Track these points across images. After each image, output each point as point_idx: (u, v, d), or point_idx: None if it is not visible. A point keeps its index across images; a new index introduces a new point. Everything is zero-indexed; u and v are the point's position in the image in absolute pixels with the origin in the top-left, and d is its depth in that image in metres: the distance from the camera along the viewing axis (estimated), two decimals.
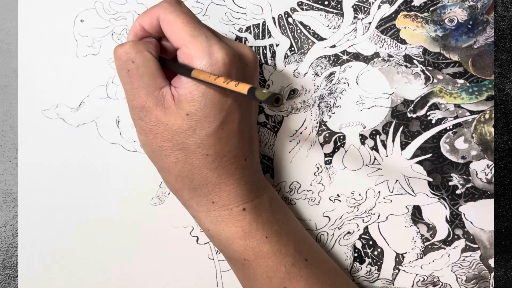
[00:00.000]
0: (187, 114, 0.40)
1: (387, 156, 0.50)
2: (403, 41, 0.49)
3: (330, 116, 0.50)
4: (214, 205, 0.42)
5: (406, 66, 0.49)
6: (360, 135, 0.50)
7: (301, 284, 0.43)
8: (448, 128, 0.49)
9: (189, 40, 0.40)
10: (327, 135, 0.50)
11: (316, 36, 0.50)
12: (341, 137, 0.50)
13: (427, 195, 0.50)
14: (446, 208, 0.50)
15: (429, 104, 0.49)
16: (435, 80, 0.49)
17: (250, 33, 0.50)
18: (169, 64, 0.42)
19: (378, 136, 0.50)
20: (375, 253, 0.51)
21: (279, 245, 0.43)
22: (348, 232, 0.51)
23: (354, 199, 0.50)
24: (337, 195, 0.50)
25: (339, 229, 0.51)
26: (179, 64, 0.41)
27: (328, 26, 0.50)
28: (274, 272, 0.43)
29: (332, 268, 0.46)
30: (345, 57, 0.50)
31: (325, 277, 0.44)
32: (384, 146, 0.50)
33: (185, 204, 0.44)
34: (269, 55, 0.50)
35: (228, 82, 0.36)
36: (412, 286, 0.51)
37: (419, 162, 0.50)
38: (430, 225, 0.50)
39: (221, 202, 0.42)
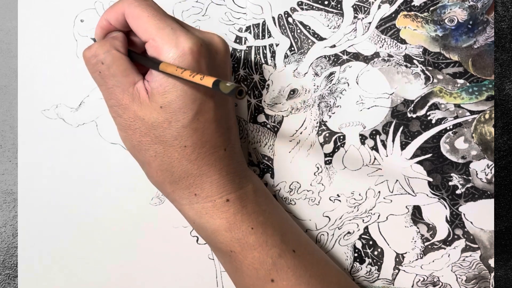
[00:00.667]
0: (161, 107, 0.40)
1: (387, 156, 0.50)
2: (403, 41, 0.49)
3: (330, 116, 0.50)
4: (197, 197, 0.42)
5: (406, 66, 0.49)
6: (360, 135, 0.50)
7: (289, 275, 0.43)
8: (448, 128, 0.49)
9: (156, 32, 0.39)
10: (327, 135, 0.50)
11: (316, 36, 0.50)
12: (341, 137, 0.50)
13: (427, 195, 0.50)
14: (446, 208, 0.50)
15: (429, 104, 0.49)
16: (435, 80, 0.49)
17: (250, 33, 0.50)
18: (138, 58, 0.42)
19: (378, 136, 0.50)
20: (375, 253, 0.51)
21: (265, 236, 0.43)
22: (348, 232, 0.51)
23: (354, 199, 0.50)
24: (337, 195, 0.50)
25: (339, 229, 0.51)
26: (148, 57, 0.41)
27: (328, 26, 0.50)
28: (260, 263, 0.42)
29: (321, 259, 0.46)
30: (345, 57, 0.50)
31: (313, 268, 0.44)
32: (384, 146, 0.50)
33: (168, 198, 0.44)
34: (269, 55, 0.50)
35: (194, 75, 0.36)
36: (412, 286, 0.51)
37: (419, 162, 0.50)
38: (430, 225, 0.50)
39: (204, 194, 0.42)
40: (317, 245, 0.51)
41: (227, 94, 0.34)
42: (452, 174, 0.50)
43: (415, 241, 0.50)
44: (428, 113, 0.49)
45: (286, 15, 0.50)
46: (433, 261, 0.50)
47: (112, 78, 0.41)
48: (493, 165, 0.49)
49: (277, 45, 0.50)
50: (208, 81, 0.35)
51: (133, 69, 0.41)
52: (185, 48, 0.39)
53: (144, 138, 0.41)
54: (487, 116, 0.49)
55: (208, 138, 0.41)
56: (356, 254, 0.51)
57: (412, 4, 0.49)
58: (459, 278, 0.50)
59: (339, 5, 0.49)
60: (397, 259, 0.51)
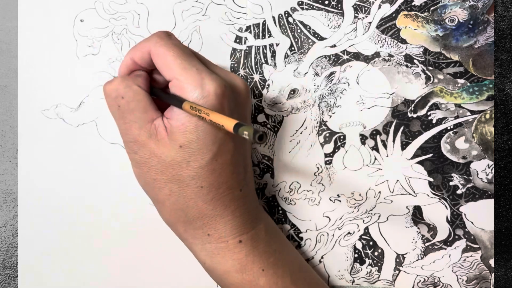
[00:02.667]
0: (180, 146, 0.39)
1: (387, 156, 0.50)
2: (403, 41, 0.49)
3: (330, 116, 0.50)
4: (210, 238, 0.42)
5: (406, 65, 0.49)
6: (361, 135, 0.50)
7: None
8: (448, 128, 0.49)
9: (180, 72, 0.39)
10: (327, 135, 0.50)
11: (316, 35, 0.50)
12: (342, 137, 0.50)
13: (428, 195, 0.50)
14: (446, 208, 0.50)
15: (429, 104, 0.49)
16: (435, 80, 0.49)
17: (250, 32, 0.50)
18: (161, 95, 0.42)
19: (378, 136, 0.50)
20: (376, 253, 0.51)
21: (275, 278, 0.43)
22: (348, 233, 0.51)
23: (355, 199, 0.50)
24: (337, 195, 0.50)
25: (339, 229, 0.51)
26: (171, 95, 0.40)
27: (328, 25, 0.50)
28: None
29: None
30: (345, 56, 0.50)
31: None
32: (385, 146, 0.50)
33: (180, 237, 0.44)
34: (269, 54, 0.50)
35: (217, 117, 0.37)
36: (413, 287, 0.50)
37: (419, 162, 0.50)
38: (431, 226, 0.50)
39: (217, 234, 0.42)
40: (317, 245, 0.51)
41: (248, 139, 0.34)
42: (452, 174, 0.49)
43: (416, 242, 0.50)
44: (428, 113, 0.49)
45: (286, 15, 0.50)
46: (433, 262, 0.50)
47: (130, 113, 0.40)
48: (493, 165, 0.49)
49: (277, 44, 0.50)
50: (230, 124, 0.35)
51: (152, 106, 0.41)
52: (210, 90, 0.39)
53: (159, 176, 0.41)
54: (487, 116, 0.49)
55: (225, 179, 0.41)
56: (356, 255, 0.51)
57: (413, 4, 0.49)
58: (460, 278, 0.50)
59: (339, 5, 0.49)
60: (398, 260, 0.50)
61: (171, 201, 0.41)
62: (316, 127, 0.50)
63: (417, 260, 0.50)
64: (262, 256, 0.43)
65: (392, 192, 0.50)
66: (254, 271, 0.42)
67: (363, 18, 0.49)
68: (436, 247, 0.50)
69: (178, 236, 0.44)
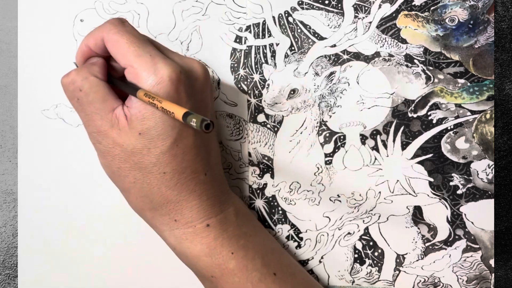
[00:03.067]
0: (140, 133, 0.39)
1: (387, 156, 0.50)
2: (403, 41, 0.49)
3: (330, 116, 0.50)
4: (177, 223, 0.42)
5: (407, 65, 0.49)
6: (361, 135, 0.50)
7: None
8: (449, 128, 0.49)
9: (134, 59, 0.39)
10: (327, 135, 0.50)
11: (316, 35, 0.50)
12: (342, 137, 0.50)
13: (428, 195, 0.50)
14: (447, 208, 0.50)
15: (430, 104, 0.49)
16: (436, 80, 0.49)
17: (250, 32, 0.50)
18: (118, 84, 0.42)
19: (378, 136, 0.50)
20: (376, 254, 0.50)
21: (246, 261, 0.43)
22: (349, 233, 0.51)
23: (355, 199, 0.50)
24: (337, 195, 0.50)
25: (339, 229, 0.51)
26: (127, 83, 0.40)
27: (328, 25, 0.49)
28: None
29: (303, 280, 0.46)
30: (345, 56, 0.50)
31: None
32: (385, 146, 0.50)
33: (149, 223, 0.44)
34: (269, 54, 0.50)
35: (169, 105, 0.37)
36: (413, 287, 0.50)
37: (420, 162, 0.50)
38: (431, 226, 0.50)
39: (184, 219, 0.42)
40: (317, 245, 0.50)
41: (195, 128, 0.35)
42: (453, 174, 0.49)
43: (416, 242, 0.50)
44: (429, 113, 0.49)
45: (286, 15, 0.50)
46: (434, 262, 0.50)
47: (90, 104, 0.40)
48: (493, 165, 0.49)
49: (277, 44, 0.50)
50: (179, 113, 0.36)
51: (111, 95, 0.41)
52: (163, 75, 0.39)
53: (123, 164, 0.41)
54: (488, 116, 0.49)
55: (188, 164, 0.41)
56: (356, 255, 0.51)
57: (413, 3, 0.49)
58: (460, 278, 0.50)
59: (339, 5, 0.49)
60: (398, 260, 0.50)
61: (136, 189, 0.41)
62: (316, 127, 0.50)
63: (417, 260, 0.50)
64: (232, 239, 0.43)
65: (392, 192, 0.50)
66: (223, 255, 0.42)
67: (363, 18, 0.49)
68: (436, 247, 0.50)
69: (147, 223, 0.44)
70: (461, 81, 0.49)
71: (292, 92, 0.50)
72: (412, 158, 0.50)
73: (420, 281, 0.50)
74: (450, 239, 0.50)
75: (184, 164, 0.41)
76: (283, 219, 0.51)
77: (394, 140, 0.50)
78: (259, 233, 0.46)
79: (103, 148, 0.41)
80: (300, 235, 0.51)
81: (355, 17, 0.49)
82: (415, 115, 0.49)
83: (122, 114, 0.40)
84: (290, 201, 0.50)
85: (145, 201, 0.42)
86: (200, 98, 0.42)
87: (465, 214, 0.50)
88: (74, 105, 0.42)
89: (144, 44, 0.40)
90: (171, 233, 0.42)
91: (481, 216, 0.49)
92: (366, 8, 0.49)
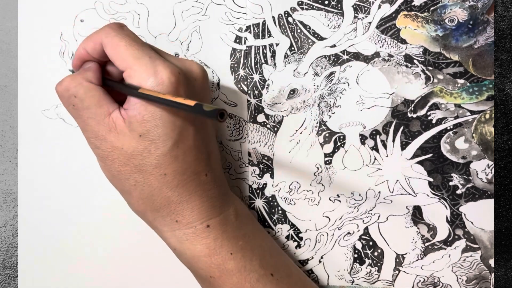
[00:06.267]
0: (140, 135, 0.39)
1: (387, 156, 0.50)
2: (403, 41, 0.49)
3: (330, 116, 0.50)
4: (178, 224, 0.42)
5: (406, 66, 0.49)
6: (360, 135, 0.50)
7: None
8: (448, 128, 0.49)
9: (134, 62, 0.39)
10: (327, 135, 0.50)
11: (316, 35, 0.50)
12: (341, 137, 0.50)
13: (428, 195, 0.50)
14: (446, 208, 0.50)
15: (429, 104, 0.49)
16: (435, 80, 0.49)
17: (250, 32, 0.50)
18: (114, 85, 0.42)
19: (378, 136, 0.50)
20: (375, 254, 0.51)
21: (244, 261, 0.43)
22: (348, 233, 0.51)
23: (354, 199, 0.50)
24: (337, 195, 0.50)
25: (339, 229, 0.51)
26: (126, 84, 0.40)
27: (328, 25, 0.50)
28: None
29: (299, 281, 0.46)
30: (345, 56, 0.50)
31: None
32: (385, 146, 0.50)
33: (150, 226, 0.44)
34: (269, 54, 0.50)
35: (175, 98, 0.37)
36: (413, 287, 0.50)
37: (419, 162, 0.50)
38: (431, 226, 0.50)
39: (185, 220, 0.42)
40: (317, 245, 0.51)
41: (209, 117, 0.34)
42: (452, 174, 0.49)
43: (416, 242, 0.50)
44: (428, 113, 0.49)
45: (286, 15, 0.50)
46: (433, 262, 0.50)
47: (86, 110, 0.40)
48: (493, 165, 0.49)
49: (277, 44, 0.50)
50: (190, 103, 0.36)
51: (107, 99, 0.41)
52: (163, 77, 0.39)
53: (123, 167, 0.41)
54: (487, 116, 0.49)
55: (189, 165, 0.41)
56: (356, 255, 0.51)
57: (413, 4, 0.49)
58: (460, 278, 0.50)
59: (339, 5, 0.49)
60: (397, 260, 0.50)
61: (137, 191, 0.41)
62: (316, 127, 0.50)
63: (416, 260, 0.50)
64: (231, 240, 0.43)
65: (392, 192, 0.50)
66: (222, 255, 0.42)
67: (363, 18, 0.49)
68: (436, 247, 0.50)
69: (148, 225, 0.44)
70: (461, 81, 0.49)
71: (292, 92, 0.50)
72: (412, 158, 0.50)
73: (420, 281, 0.50)
74: (450, 239, 0.50)
75: (185, 165, 0.41)
76: (282, 219, 0.51)
77: (393, 140, 0.50)
78: (258, 234, 0.46)
79: (102, 153, 0.41)
80: (300, 235, 0.51)
81: (355, 17, 0.49)
82: (414, 115, 0.50)
83: (119, 117, 0.40)
84: (290, 201, 0.50)
85: (146, 203, 0.42)
86: (199, 99, 0.42)
87: (464, 214, 0.50)
88: (71, 111, 0.42)
89: (143, 47, 0.40)
90: (172, 233, 0.43)
91: (480, 216, 0.49)
92: (366, 8, 0.49)
